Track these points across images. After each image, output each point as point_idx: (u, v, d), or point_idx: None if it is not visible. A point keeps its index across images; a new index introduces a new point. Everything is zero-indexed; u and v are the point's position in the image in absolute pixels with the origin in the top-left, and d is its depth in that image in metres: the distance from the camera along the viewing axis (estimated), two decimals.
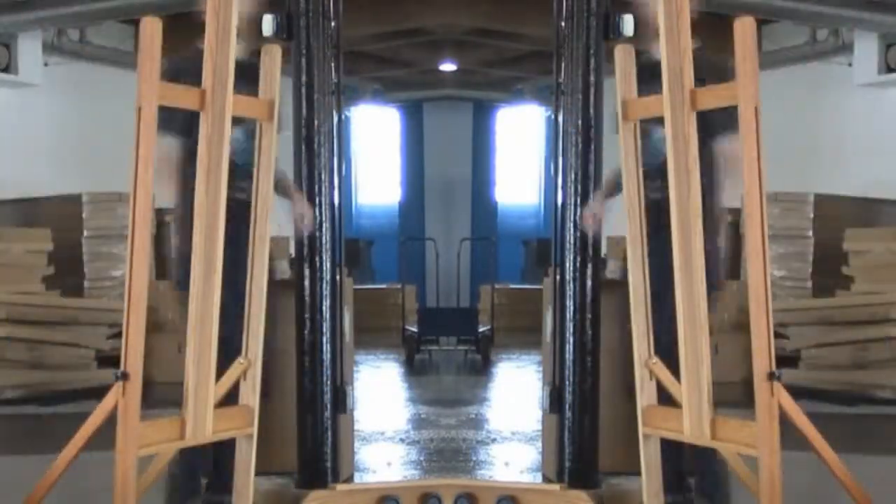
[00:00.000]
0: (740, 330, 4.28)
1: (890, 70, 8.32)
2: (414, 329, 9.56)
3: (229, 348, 3.33)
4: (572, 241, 4.26)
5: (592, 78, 4.23)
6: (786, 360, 6.58)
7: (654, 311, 3.35)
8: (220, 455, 3.70)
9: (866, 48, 8.44)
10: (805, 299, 7.54)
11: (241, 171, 3.48)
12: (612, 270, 4.41)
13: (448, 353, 9.48)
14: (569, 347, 4.26)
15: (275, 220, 3.44)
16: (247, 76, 3.36)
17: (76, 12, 7.69)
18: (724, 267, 3.92)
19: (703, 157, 3.28)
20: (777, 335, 3.17)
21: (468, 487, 3.62)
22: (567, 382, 4.27)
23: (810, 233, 7.93)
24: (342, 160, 4.42)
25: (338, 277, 4.29)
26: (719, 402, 3.34)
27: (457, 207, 14.08)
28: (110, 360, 6.37)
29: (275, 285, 3.70)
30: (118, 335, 3.13)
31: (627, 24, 4.16)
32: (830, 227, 7.70)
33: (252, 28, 3.72)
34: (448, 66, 11.93)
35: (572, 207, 4.25)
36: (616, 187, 3.79)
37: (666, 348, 3.29)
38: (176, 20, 3.75)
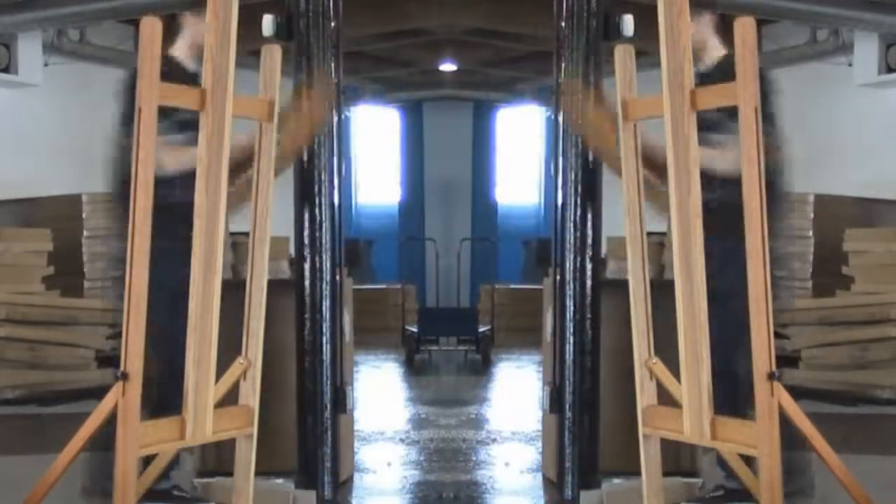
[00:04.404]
0: None
1: (890, 70, 8.31)
2: (414, 329, 9.55)
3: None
4: (572, 241, 4.26)
5: (592, 78, 4.23)
6: (786, 360, 6.58)
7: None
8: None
9: (866, 48, 8.43)
10: (805, 299, 7.54)
11: None
12: (612, 270, 4.40)
13: (448, 353, 9.48)
14: (569, 347, 4.26)
15: None
16: None
17: (76, 12, 7.67)
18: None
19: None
20: (777, 335, 3.16)
21: None
22: (567, 382, 4.27)
23: (810, 233, 7.93)
24: (342, 160, 4.42)
25: (338, 277, 4.29)
26: None
27: (457, 207, 14.07)
28: (110, 360, 6.37)
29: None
30: (118, 335, 3.12)
31: (627, 24, 4.16)
32: (830, 227, 7.70)
33: None
34: (448, 66, 11.93)
35: (572, 207, 4.25)
36: None
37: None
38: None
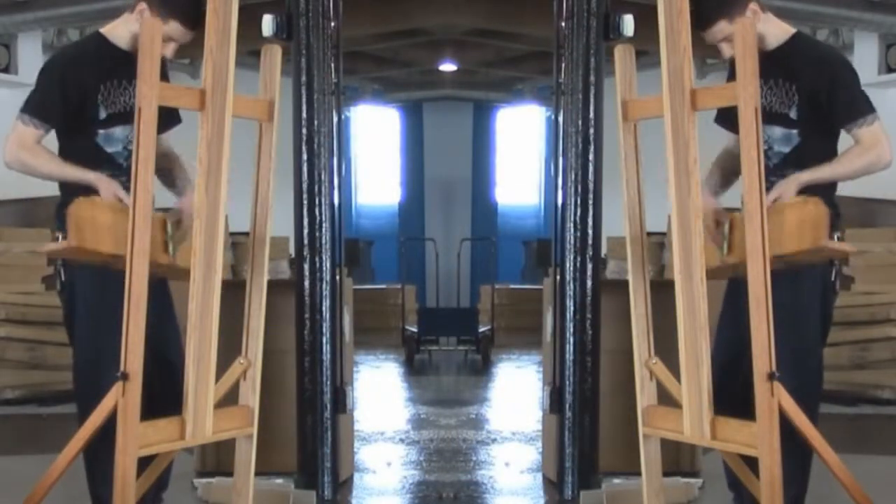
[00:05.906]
0: None
1: (890, 70, 8.33)
2: (414, 329, 9.56)
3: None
4: (572, 241, 4.26)
5: (592, 78, 4.23)
6: None
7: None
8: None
9: (866, 48, 8.45)
10: None
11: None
12: (612, 270, 4.40)
13: (448, 353, 9.49)
14: (569, 347, 4.26)
15: None
16: None
17: (76, 12, 7.69)
18: None
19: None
20: None
21: None
22: (567, 382, 4.26)
23: None
24: (342, 160, 4.42)
25: (338, 277, 4.29)
26: None
27: (457, 207, 14.09)
28: None
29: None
30: None
31: (627, 24, 4.16)
32: None
33: None
34: (448, 67, 11.95)
35: (572, 207, 4.25)
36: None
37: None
38: None
